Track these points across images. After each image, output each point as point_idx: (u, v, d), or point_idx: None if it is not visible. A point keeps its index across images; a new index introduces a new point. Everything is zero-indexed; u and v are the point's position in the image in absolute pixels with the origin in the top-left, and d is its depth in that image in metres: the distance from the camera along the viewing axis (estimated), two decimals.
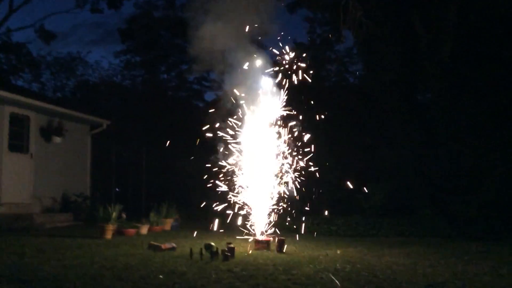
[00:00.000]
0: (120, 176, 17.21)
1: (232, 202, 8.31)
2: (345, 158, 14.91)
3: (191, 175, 13.70)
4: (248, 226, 8.34)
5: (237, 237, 8.43)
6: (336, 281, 5.27)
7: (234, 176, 8.41)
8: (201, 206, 8.89)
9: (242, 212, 8.32)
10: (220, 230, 8.68)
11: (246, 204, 8.32)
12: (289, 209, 8.53)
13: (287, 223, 9.71)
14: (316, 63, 18.08)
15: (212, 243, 6.85)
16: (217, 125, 8.71)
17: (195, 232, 9.33)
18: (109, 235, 9.05)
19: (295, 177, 8.46)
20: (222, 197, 8.33)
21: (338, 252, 7.83)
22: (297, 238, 9.08)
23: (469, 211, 11.80)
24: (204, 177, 8.46)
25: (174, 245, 7.75)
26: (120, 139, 17.80)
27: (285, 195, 8.41)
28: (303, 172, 8.50)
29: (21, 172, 11.93)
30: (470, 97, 13.80)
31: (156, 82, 24.03)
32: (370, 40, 14.74)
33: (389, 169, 14.29)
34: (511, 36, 13.46)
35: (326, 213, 10.21)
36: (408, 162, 14.20)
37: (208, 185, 8.42)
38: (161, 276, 5.36)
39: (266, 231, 8.29)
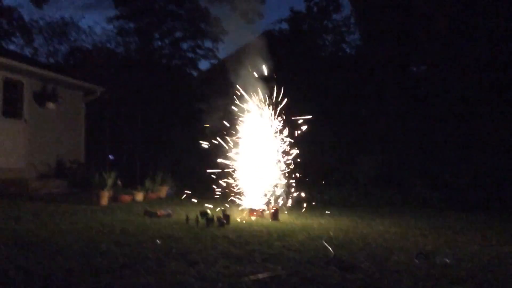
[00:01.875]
0: (114, 144, 17.20)
1: (227, 171, 8.37)
2: (339, 129, 14.95)
3: (185, 144, 13.73)
4: (242, 195, 8.43)
5: (232, 205, 8.51)
6: (330, 248, 5.38)
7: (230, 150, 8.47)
8: (196, 175, 8.94)
9: (237, 182, 8.39)
10: (216, 197, 8.74)
11: (238, 174, 8.38)
12: (284, 180, 8.57)
13: (281, 194, 9.78)
14: (313, 32, 17.94)
15: (208, 210, 6.94)
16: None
17: (191, 200, 9.39)
18: (104, 202, 9.12)
19: (288, 148, 8.50)
20: (219, 168, 8.40)
21: (323, 222, 7.94)
22: (290, 208, 9.17)
23: (461, 181, 11.96)
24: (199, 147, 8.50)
25: (170, 211, 7.84)
26: (114, 107, 17.70)
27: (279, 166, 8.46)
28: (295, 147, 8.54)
29: (15, 137, 11.89)
30: (465, 69, 13.81)
31: (149, 50, 23.75)
32: (367, 9, 14.62)
33: (382, 140, 14.37)
34: (506, 8, 13.40)
35: (323, 182, 10.25)
36: (401, 133, 14.28)
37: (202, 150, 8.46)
38: (158, 241, 5.44)
39: (262, 201, 8.37)
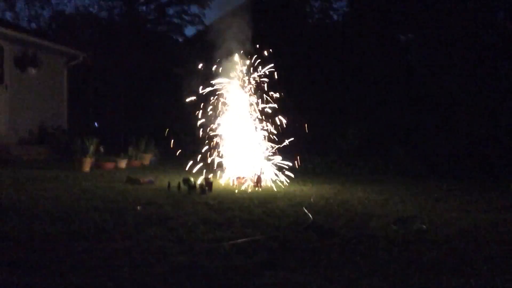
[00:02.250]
0: (98, 110, 17.02)
1: (210, 140, 8.34)
2: (325, 97, 14.93)
3: (169, 110, 13.63)
4: (226, 162, 8.41)
5: (216, 172, 8.50)
6: (309, 213, 5.43)
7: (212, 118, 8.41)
8: (180, 142, 8.88)
9: (220, 150, 8.37)
10: (199, 166, 8.71)
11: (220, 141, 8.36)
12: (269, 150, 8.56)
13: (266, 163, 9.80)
14: None
15: (190, 178, 6.94)
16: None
17: (173, 167, 9.39)
18: (86, 168, 9.07)
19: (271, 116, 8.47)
20: (202, 136, 8.36)
21: (305, 189, 8.00)
22: (274, 176, 9.20)
23: (442, 150, 12.09)
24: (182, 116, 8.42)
25: (152, 179, 7.83)
26: (97, 73, 17.44)
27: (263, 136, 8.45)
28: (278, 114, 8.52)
29: None
30: (451, 36, 13.77)
31: (134, 15, 23.26)
32: None
33: (367, 110, 14.40)
34: None
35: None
36: (386, 103, 14.32)
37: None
38: (138, 207, 5.45)
39: (245, 168, 8.36)
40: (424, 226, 5.16)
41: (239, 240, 4.20)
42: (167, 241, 4.13)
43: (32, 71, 12.47)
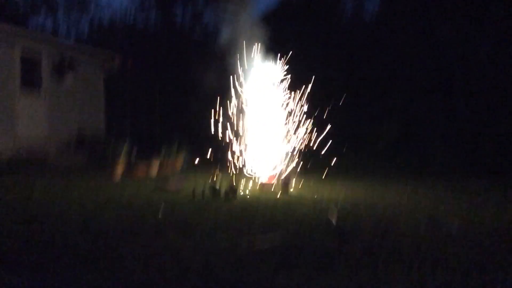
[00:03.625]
0: (134, 116, 17.29)
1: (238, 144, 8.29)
2: (359, 98, 14.64)
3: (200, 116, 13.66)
4: (254, 168, 8.32)
5: (243, 177, 8.43)
6: (332, 220, 5.30)
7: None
8: (210, 151, 8.87)
9: (246, 153, 8.29)
10: (230, 172, 8.65)
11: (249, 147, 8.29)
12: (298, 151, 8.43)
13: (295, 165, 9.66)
14: None
15: (216, 185, 6.92)
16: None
17: (203, 173, 9.36)
18: (118, 176, 9.21)
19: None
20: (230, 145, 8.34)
21: (334, 191, 7.81)
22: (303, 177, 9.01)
23: (485, 146, 11.65)
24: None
25: (180, 186, 7.84)
26: (134, 80, 17.76)
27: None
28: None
29: (35, 110, 11.93)
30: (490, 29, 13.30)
31: (170, 24, 23.63)
32: None
33: (403, 109, 14.06)
34: None
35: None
36: (422, 102, 13.93)
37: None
38: (160, 215, 5.46)
39: (273, 173, 8.26)
40: (456, 227, 4.95)
41: (256, 247, 4.13)
42: (183, 246, 4.11)
43: (70, 76, 12.66)
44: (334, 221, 5.26)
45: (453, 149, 11.70)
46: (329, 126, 8.35)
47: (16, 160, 10.45)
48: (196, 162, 9.73)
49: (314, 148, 8.41)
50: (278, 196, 7.27)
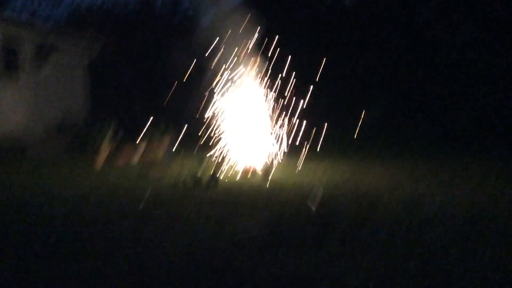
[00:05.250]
0: (117, 103, 17.15)
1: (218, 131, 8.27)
2: (344, 78, 14.66)
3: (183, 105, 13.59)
4: (234, 152, 8.31)
5: (224, 163, 8.41)
6: (313, 206, 5.35)
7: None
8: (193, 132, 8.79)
9: (229, 140, 8.27)
10: (209, 156, 8.61)
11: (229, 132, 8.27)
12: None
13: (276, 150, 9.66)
14: None
15: (197, 173, 6.92)
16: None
17: (185, 158, 9.34)
18: (100, 162, 9.15)
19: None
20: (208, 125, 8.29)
21: (317, 174, 7.85)
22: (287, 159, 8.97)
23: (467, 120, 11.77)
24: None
25: (161, 173, 7.83)
26: (116, 66, 17.57)
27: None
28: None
29: (15, 97, 11.76)
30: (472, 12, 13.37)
31: (148, 10, 23.29)
32: None
33: (388, 85, 14.14)
34: None
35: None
36: (406, 78, 14.02)
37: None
38: (141, 206, 5.46)
39: (254, 159, 8.26)
40: (434, 208, 5.05)
41: (237, 237, 4.17)
42: (165, 240, 4.13)
43: (50, 62, 12.46)
44: (314, 207, 5.32)
45: (438, 124, 11.85)
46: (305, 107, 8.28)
47: None
48: (179, 148, 9.67)
49: (297, 132, 8.40)
50: (258, 180, 7.29)
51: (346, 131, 12.09)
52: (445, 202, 5.44)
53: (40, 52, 12.24)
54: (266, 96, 8.38)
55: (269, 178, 7.55)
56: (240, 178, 7.72)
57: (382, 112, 12.82)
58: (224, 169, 7.86)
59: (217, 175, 6.98)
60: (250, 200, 5.82)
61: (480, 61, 12.97)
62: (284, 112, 8.34)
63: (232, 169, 8.07)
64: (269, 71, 8.41)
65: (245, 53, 8.48)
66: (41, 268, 3.46)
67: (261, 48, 8.50)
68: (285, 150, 8.27)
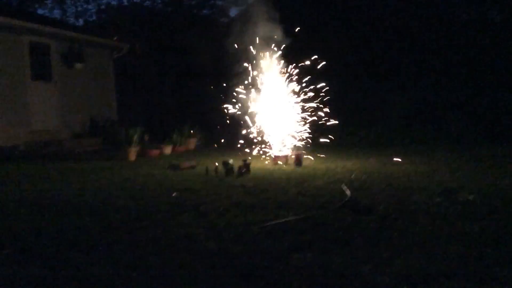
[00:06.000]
0: (146, 100, 17.29)
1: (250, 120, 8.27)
2: (369, 67, 14.40)
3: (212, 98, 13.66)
4: (266, 143, 8.30)
5: (256, 153, 8.39)
6: (347, 191, 5.24)
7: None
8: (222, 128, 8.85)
9: (259, 130, 8.26)
10: (243, 148, 8.60)
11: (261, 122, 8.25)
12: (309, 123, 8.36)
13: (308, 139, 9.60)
14: None
15: (229, 160, 6.89)
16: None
17: (217, 150, 9.39)
18: (132, 157, 9.24)
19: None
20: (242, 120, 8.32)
21: (348, 164, 7.76)
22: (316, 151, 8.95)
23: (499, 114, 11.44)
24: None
25: (194, 163, 7.86)
26: (143, 62, 17.69)
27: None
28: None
29: (48, 99, 12.09)
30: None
31: (177, 1, 23.36)
32: None
33: (415, 77, 13.81)
34: None
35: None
36: (436, 68, 13.65)
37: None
38: (174, 194, 5.46)
39: (285, 146, 8.24)
40: (471, 197, 4.87)
41: (269, 223, 4.10)
42: (196, 227, 4.09)
43: (79, 66, 12.80)
44: (348, 192, 5.21)
45: (467, 119, 11.51)
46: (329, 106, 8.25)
47: (32, 148, 10.59)
48: (210, 140, 9.72)
49: (327, 123, 8.36)
50: (290, 169, 7.23)
51: (377, 124, 11.94)
52: (484, 189, 5.24)
53: (70, 57, 12.56)
54: (298, 90, 8.34)
55: (301, 163, 7.50)
56: (271, 166, 7.69)
57: (412, 104, 12.57)
58: (255, 157, 7.84)
59: (248, 163, 6.92)
60: (283, 187, 5.74)
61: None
62: (313, 106, 8.31)
63: (264, 157, 8.05)
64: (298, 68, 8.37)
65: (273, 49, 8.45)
66: (71, 261, 3.47)
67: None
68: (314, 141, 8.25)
